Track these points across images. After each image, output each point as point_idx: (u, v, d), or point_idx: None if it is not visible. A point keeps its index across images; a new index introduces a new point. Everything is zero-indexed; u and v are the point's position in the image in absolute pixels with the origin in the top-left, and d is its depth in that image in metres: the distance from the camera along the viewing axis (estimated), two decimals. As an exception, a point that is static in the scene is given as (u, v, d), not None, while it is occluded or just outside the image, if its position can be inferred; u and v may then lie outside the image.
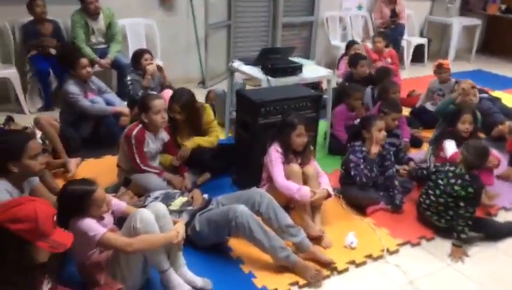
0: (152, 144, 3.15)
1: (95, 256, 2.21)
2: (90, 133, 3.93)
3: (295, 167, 2.91)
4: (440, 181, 2.97)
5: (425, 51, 7.51)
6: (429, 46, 7.65)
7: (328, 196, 2.91)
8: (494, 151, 3.49)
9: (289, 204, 2.96)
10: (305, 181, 2.92)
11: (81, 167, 3.56)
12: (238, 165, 3.39)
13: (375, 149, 3.18)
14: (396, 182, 3.27)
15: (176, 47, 5.76)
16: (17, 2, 4.52)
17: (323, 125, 3.97)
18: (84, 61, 3.89)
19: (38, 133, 3.61)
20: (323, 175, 3.02)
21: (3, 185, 2.18)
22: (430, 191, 3.01)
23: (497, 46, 8.64)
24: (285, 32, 6.71)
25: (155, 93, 3.79)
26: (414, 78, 6.69)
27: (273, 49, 4.06)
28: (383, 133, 3.21)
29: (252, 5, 6.32)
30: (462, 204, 2.84)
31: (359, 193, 3.20)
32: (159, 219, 2.24)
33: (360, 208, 3.23)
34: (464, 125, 3.51)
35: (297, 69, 3.64)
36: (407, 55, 7.35)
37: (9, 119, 3.77)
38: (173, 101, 3.30)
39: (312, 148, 3.08)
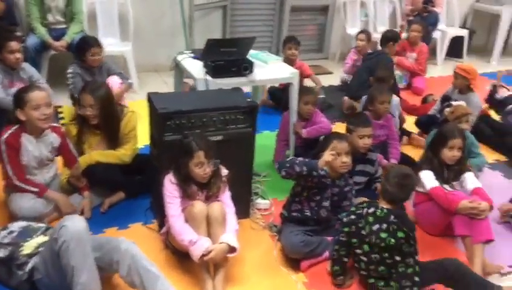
0: (34, 151, 2.53)
1: None
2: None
3: (198, 206, 2.20)
4: (363, 232, 2.16)
5: (465, 45, 6.36)
6: (471, 39, 6.51)
7: (230, 251, 2.16)
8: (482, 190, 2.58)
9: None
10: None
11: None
12: (154, 187, 2.71)
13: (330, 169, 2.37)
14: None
15: (158, 30, 5.09)
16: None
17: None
18: (13, 44, 3.32)
19: None
20: (231, 216, 2.27)
21: None
22: (358, 251, 2.20)
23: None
24: (294, 16, 5.87)
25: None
26: (448, 76, 5.57)
27: (225, 40, 3.29)
28: (343, 159, 2.40)
29: (254, -17, 5.54)
30: (398, 258, 2.09)
31: (292, 237, 2.39)
32: None
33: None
34: (452, 152, 2.64)
35: (245, 68, 2.86)
36: (441, 49, 6.25)
37: None
38: (84, 91, 2.69)
39: (226, 174, 2.35)
